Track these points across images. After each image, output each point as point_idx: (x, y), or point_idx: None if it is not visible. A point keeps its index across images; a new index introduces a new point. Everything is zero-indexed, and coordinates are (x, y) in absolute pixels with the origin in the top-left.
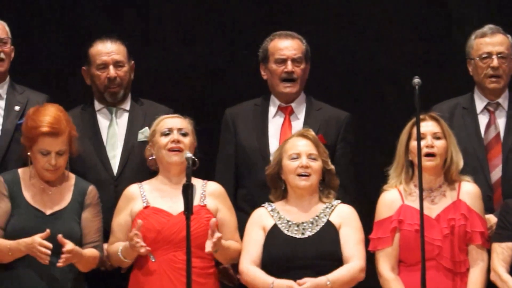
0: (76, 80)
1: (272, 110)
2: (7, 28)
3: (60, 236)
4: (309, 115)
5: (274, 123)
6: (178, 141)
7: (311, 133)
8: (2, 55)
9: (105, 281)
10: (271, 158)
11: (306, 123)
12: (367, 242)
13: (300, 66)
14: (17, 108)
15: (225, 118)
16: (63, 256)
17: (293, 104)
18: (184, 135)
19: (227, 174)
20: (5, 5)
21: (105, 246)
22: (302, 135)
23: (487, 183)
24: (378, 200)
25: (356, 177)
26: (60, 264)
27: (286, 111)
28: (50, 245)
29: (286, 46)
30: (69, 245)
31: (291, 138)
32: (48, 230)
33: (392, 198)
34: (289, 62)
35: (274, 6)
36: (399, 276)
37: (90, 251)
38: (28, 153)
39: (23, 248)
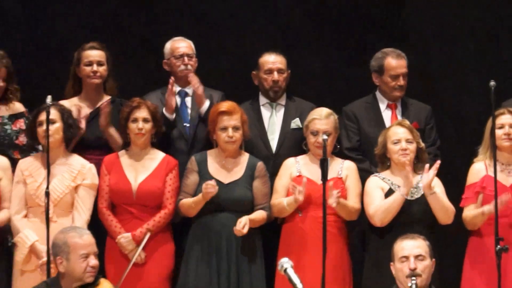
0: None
1: (382, 106)
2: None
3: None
4: (406, 108)
5: (385, 115)
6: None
7: (407, 122)
8: (189, 67)
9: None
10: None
11: (404, 115)
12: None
13: (405, 79)
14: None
15: (346, 112)
16: (240, 229)
17: (396, 103)
18: (328, 134)
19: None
20: None
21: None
22: (400, 124)
23: None
24: (470, 168)
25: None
26: (240, 231)
27: (393, 107)
28: (213, 183)
29: (400, 65)
30: (244, 222)
31: (392, 127)
32: (213, 180)
33: (479, 168)
34: (401, 78)
35: None
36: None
37: (258, 213)
38: (214, 137)
39: (201, 197)
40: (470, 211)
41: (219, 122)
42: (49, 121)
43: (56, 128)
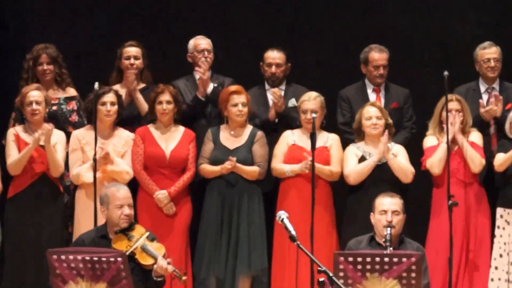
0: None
1: (369, 90)
2: (211, 43)
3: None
4: (388, 92)
5: (371, 97)
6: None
7: (377, 103)
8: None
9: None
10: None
11: (386, 97)
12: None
13: (386, 69)
14: (214, 84)
15: (341, 95)
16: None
17: (380, 87)
18: (315, 112)
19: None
20: None
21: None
22: (372, 104)
23: None
24: (424, 140)
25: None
26: (225, 167)
27: (377, 91)
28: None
29: (381, 57)
30: (232, 163)
31: (366, 106)
32: (232, 157)
33: (432, 139)
34: (381, 68)
35: None
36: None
37: (252, 167)
38: (225, 113)
39: (218, 170)
40: (499, 157)
41: (231, 100)
42: (112, 104)
43: (115, 109)
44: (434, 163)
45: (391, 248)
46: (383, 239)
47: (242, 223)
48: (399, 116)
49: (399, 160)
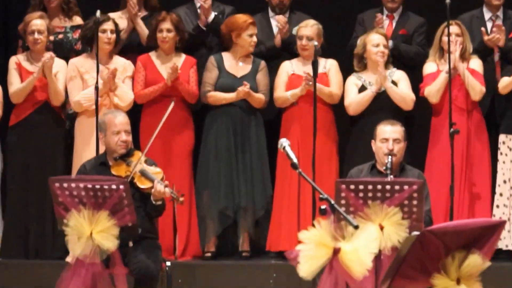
0: None
1: (384, 16)
2: None
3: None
4: (401, 19)
5: (385, 23)
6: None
7: (382, 31)
8: None
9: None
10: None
11: (398, 24)
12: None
13: None
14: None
15: (358, 18)
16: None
17: (394, 14)
18: (310, 39)
19: None
20: None
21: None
22: (377, 32)
23: None
24: (425, 65)
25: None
26: (242, 90)
27: (391, 17)
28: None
29: None
30: (247, 88)
31: (371, 33)
32: (246, 83)
33: (431, 66)
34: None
35: None
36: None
37: (258, 94)
38: (236, 41)
39: (234, 96)
40: (504, 80)
41: (248, 30)
42: (111, 32)
43: (114, 37)
44: (432, 92)
45: (391, 176)
46: (384, 167)
47: (250, 150)
48: (408, 44)
49: (399, 87)
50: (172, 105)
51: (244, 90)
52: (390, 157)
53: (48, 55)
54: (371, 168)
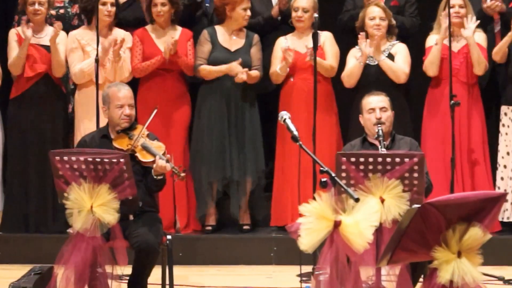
0: None
1: None
2: None
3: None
4: None
5: None
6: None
7: (381, 4)
8: None
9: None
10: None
11: None
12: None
13: None
14: None
15: None
16: (243, 74)
17: None
18: (306, 11)
19: None
20: None
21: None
22: (376, 4)
23: None
24: (427, 39)
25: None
26: (240, 78)
27: None
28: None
29: None
30: (244, 71)
31: (370, 6)
32: (240, 59)
33: (434, 38)
34: None
35: None
36: None
37: (254, 71)
38: (231, 14)
39: (224, 69)
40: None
41: (242, 3)
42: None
43: (114, 9)
44: (427, 65)
45: (385, 142)
46: (375, 136)
47: (243, 124)
48: (400, 15)
49: (396, 60)
50: (155, 111)
51: (242, 78)
52: (379, 126)
53: (57, 26)
54: (362, 142)
